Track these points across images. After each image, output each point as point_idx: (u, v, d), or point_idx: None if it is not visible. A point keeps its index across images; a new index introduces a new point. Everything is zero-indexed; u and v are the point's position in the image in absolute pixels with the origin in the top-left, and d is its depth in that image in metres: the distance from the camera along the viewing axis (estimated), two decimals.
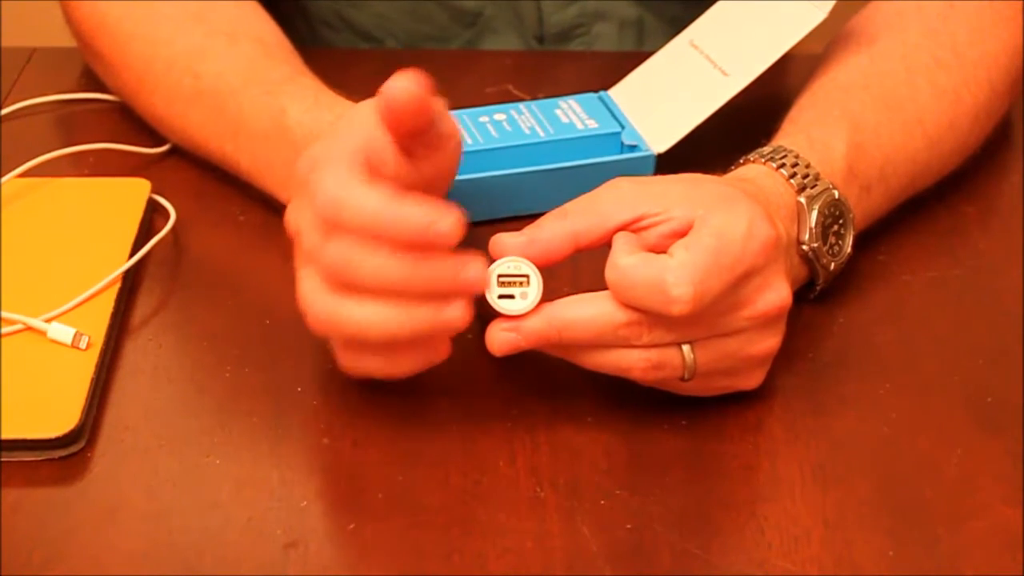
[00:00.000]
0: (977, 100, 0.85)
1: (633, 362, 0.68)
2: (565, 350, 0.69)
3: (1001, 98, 0.87)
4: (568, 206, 0.70)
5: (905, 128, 0.82)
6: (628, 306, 0.67)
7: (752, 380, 0.71)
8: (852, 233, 0.77)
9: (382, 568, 0.64)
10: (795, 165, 0.75)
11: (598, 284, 0.67)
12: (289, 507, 0.67)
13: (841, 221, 0.76)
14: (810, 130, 0.79)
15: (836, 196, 0.75)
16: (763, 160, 0.76)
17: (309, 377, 0.72)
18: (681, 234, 0.68)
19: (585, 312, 0.67)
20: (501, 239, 0.69)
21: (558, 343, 0.68)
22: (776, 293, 0.69)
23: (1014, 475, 0.69)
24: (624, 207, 0.69)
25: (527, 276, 0.67)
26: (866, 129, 0.80)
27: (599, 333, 0.67)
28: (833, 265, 0.76)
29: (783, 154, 0.76)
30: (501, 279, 0.67)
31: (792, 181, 0.75)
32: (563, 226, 0.69)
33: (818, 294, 0.77)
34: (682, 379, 0.69)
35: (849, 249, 0.77)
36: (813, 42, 0.84)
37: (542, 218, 0.70)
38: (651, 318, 0.67)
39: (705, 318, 0.67)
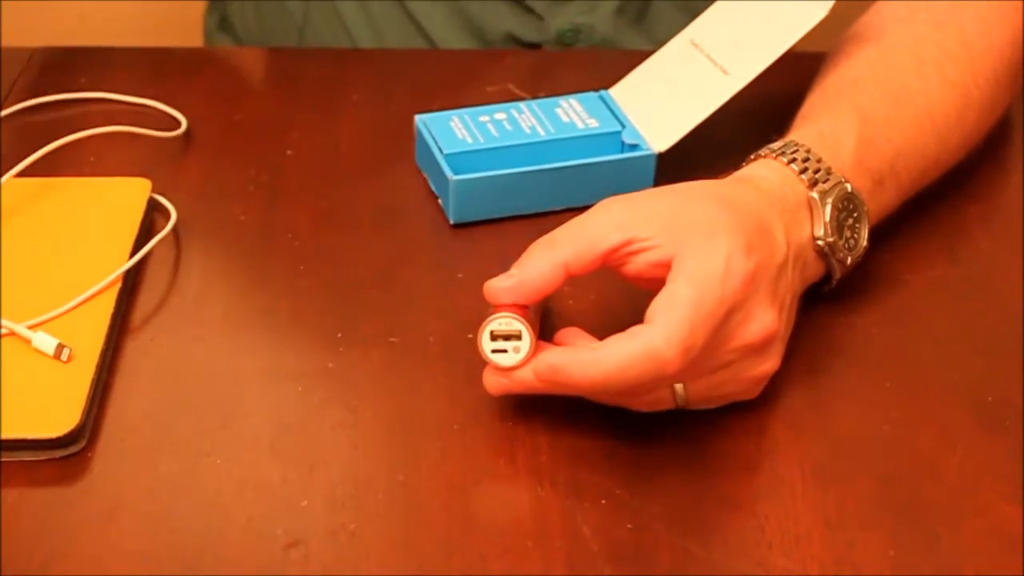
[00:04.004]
0: (983, 92, 0.85)
1: (626, 403, 0.69)
2: None
3: (1004, 91, 0.87)
4: (557, 234, 0.69)
5: (915, 122, 0.81)
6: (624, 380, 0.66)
7: (750, 396, 0.71)
8: (867, 227, 0.76)
9: (382, 568, 0.64)
10: (806, 160, 0.75)
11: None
12: (289, 507, 0.67)
13: (855, 214, 0.75)
14: (820, 125, 0.78)
15: (849, 190, 0.75)
16: (774, 155, 0.75)
17: (309, 377, 0.72)
18: (663, 265, 0.67)
19: (579, 380, 0.66)
20: (492, 288, 0.68)
21: (550, 393, 0.69)
22: (759, 323, 0.68)
23: (1015, 474, 0.69)
24: (614, 231, 0.68)
25: (519, 331, 0.67)
26: (876, 123, 0.79)
27: (591, 395, 0.69)
28: (850, 259, 0.75)
29: (794, 149, 0.75)
30: (494, 334, 0.68)
31: (803, 176, 0.74)
32: (552, 257, 0.68)
33: (830, 290, 0.77)
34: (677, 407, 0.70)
35: (865, 243, 0.76)
36: (814, 41, 0.84)
37: (531, 248, 0.69)
38: (644, 385, 0.67)
39: (692, 361, 0.66)
